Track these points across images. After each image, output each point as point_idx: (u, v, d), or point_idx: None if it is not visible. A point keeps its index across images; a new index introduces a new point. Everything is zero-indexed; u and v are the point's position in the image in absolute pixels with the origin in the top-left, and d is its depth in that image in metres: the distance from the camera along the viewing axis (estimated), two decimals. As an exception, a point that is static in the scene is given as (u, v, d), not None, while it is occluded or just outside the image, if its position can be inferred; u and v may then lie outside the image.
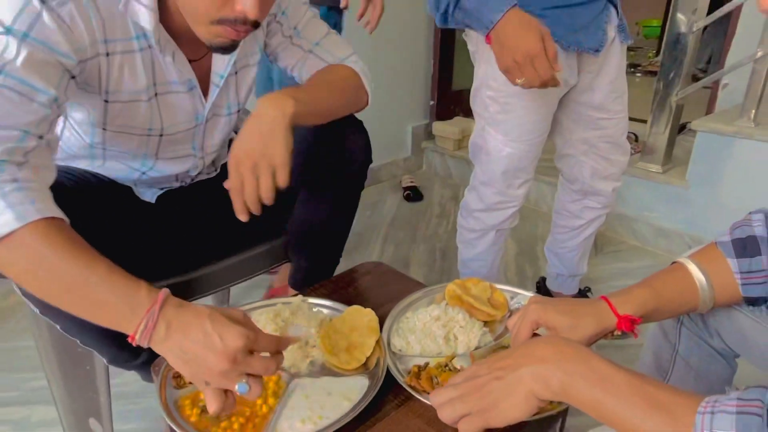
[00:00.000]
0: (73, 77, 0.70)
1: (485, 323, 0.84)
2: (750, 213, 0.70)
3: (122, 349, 0.85)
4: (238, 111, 0.96)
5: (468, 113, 2.96)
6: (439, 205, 2.45)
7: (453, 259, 1.93)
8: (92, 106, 0.78)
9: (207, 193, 1.01)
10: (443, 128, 2.74)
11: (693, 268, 0.68)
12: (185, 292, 1.01)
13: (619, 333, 0.69)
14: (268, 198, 0.73)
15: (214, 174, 1.06)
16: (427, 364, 0.75)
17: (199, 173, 1.03)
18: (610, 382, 0.50)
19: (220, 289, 1.08)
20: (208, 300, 1.54)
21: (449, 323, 0.82)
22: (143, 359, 0.88)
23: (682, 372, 0.82)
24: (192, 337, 0.58)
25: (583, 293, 1.61)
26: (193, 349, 0.57)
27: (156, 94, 0.82)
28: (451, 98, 2.87)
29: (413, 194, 2.50)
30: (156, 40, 0.75)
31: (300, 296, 0.90)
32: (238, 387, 0.57)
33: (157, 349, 0.59)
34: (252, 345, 0.58)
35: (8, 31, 0.62)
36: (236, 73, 0.91)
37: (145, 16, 0.72)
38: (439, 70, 2.75)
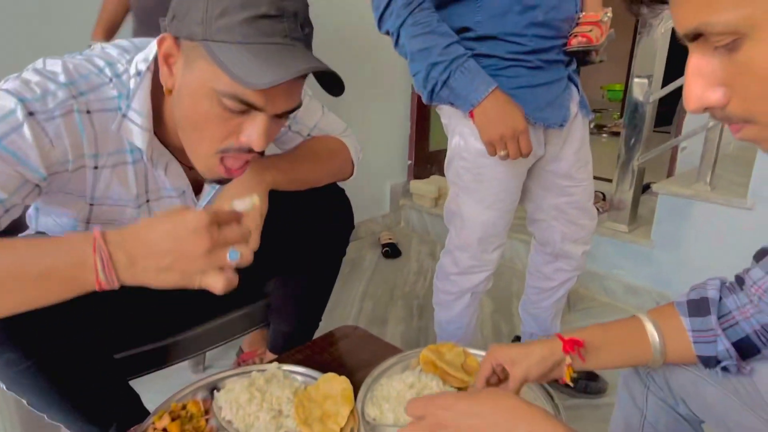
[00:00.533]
0: (38, 186, 0.66)
1: (459, 389, 0.83)
2: (708, 279, 0.73)
3: (90, 423, 0.82)
4: None
5: (444, 171, 3.03)
6: (417, 261, 2.45)
7: (430, 316, 1.92)
8: (76, 207, 0.76)
9: None
10: (420, 186, 2.78)
11: (646, 321, 0.72)
12: (164, 357, 0.99)
13: (568, 360, 0.73)
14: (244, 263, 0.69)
15: None
16: (400, 434, 0.73)
17: None
18: None
19: (198, 354, 1.06)
20: (184, 363, 1.51)
21: (423, 390, 0.81)
22: (113, 432, 0.85)
23: (651, 437, 0.82)
24: (158, 244, 0.55)
25: None
26: (167, 252, 0.55)
27: (147, 201, 0.81)
28: (427, 158, 2.93)
29: (391, 251, 2.50)
30: (149, 157, 0.74)
31: (275, 363, 0.88)
32: (230, 256, 0.56)
33: (129, 280, 0.56)
34: (215, 217, 0.56)
35: None
36: None
37: (139, 136, 0.71)
38: (416, 132, 2.82)
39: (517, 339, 1.67)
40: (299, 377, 0.86)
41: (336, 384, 0.81)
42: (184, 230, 0.55)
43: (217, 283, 0.56)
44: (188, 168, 0.80)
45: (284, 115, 0.70)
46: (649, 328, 0.71)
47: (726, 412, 0.71)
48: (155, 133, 0.74)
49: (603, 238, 2.02)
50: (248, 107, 0.65)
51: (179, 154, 0.78)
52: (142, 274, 0.56)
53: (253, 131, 0.67)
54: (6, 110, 0.61)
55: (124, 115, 0.70)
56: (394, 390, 0.81)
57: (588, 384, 1.46)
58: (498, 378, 0.77)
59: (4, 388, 0.74)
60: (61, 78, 0.65)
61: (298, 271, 1.02)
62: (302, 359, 0.93)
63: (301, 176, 0.88)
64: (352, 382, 0.81)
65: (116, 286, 0.56)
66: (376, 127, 2.66)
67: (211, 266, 0.56)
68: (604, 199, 2.39)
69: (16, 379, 0.72)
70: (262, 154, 0.72)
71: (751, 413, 0.69)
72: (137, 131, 0.71)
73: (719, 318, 0.69)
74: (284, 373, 0.86)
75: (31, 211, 0.83)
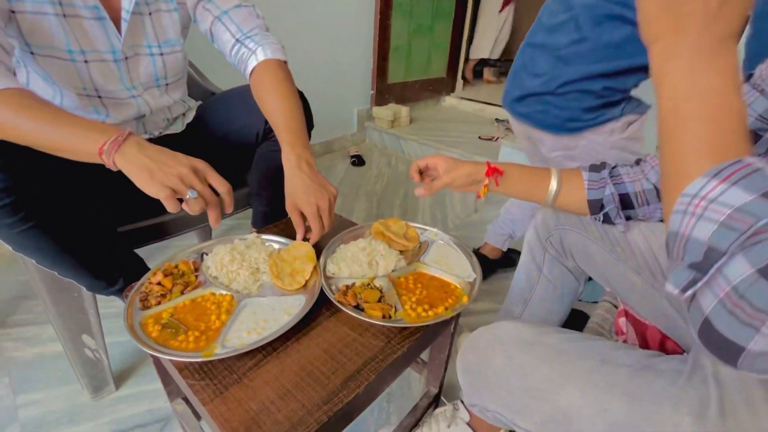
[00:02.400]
0: None
1: (401, 252, 0.78)
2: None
3: (98, 278, 0.73)
4: (162, 53, 0.81)
5: (399, 101, 2.86)
6: (377, 168, 2.35)
7: (385, 207, 1.88)
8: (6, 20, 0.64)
9: (176, 147, 0.87)
10: (380, 112, 2.62)
11: (554, 171, 0.69)
12: (163, 230, 0.89)
13: (486, 181, 0.70)
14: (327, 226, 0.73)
15: (180, 130, 0.93)
16: (353, 284, 0.68)
17: (169, 126, 0.89)
18: None
19: (194, 229, 0.96)
20: (193, 235, 1.42)
21: (372, 252, 0.75)
22: (119, 287, 0.77)
23: (544, 285, 0.80)
24: (162, 151, 0.57)
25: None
26: (161, 157, 0.56)
27: (64, 15, 0.67)
28: (386, 89, 2.74)
29: (357, 161, 2.39)
30: None
31: (255, 233, 0.80)
32: (189, 192, 0.56)
33: (123, 161, 0.54)
34: (207, 170, 0.59)
35: None
36: (150, 14, 0.76)
37: None
38: (377, 68, 2.60)
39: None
40: (275, 245, 0.79)
41: (302, 248, 0.74)
42: (180, 157, 0.57)
43: (166, 204, 0.55)
44: None
45: None
46: (554, 175, 0.68)
47: (605, 264, 0.69)
48: None
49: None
50: None
51: None
52: (134, 160, 0.54)
53: None
54: None
55: None
56: (350, 252, 0.75)
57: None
58: (427, 178, 0.77)
59: (12, 250, 0.63)
60: None
61: (270, 160, 0.92)
62: (278, 231, 0.86)
63: (299, 125, 0.78)
64: (316, 248, 0.74)
65: (110, 158, 0.54)
66: (344, 62, 2.43)
67: (175, 186, 0.55)
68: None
69: (19, 241, 0.61)
70: None
71: (623, 264, 0.66)
72: None
73: (611, 176, 0.65)
74: (261, 240, 0.79)
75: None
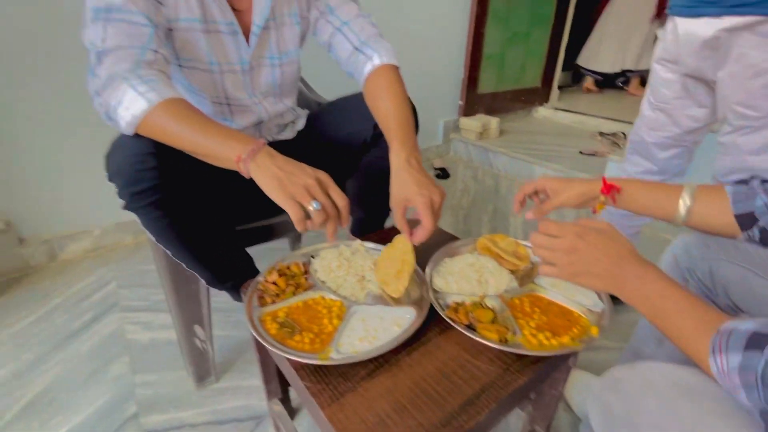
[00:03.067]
0: (158, 2, 0.68)
1: (511, 271, 0.74)
2: None
3: (217, 273, 0.79)
4: (281, 64, 0.87)
5: (488, 111, 2.79)
6: (462, 182, 2.30)
7: (472, 223, 1.82)
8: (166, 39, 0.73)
9: (288, 153, 0.93)
10: (468, 123, 2.58)
11: (686, 186, 0.61)
12: (267, 233, 0.94)
13: (603, 199, 0.65)
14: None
15: (291, 137, 0.98)
16: (463, 301, 0.65)
17: (280, 131, 0.95)
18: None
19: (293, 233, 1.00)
20: (285, 241, 1.49)
21: (481, 269, 0.72)
22: (229, 285, 0.82)
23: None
24: (290, 162, 0.60)
25: None
26: (289, 168, 0.59)
27: (208, 31, 0.75)
28: (475, 99, 2.69)
29: (442, 173, 2.36)
30: None
31: (358, 240, 0.81)
32: (314, 204, 0.58)
33: (256, 170, 0.59)
34: (329, 183, 0.61)
35: None
36: (275, 28, 0.82)
37: None
38: (468, 78, 2.57)
39: None
40: (377, 253, 0.79)
41: (405, 246, 0.70)
42: (307, 168, 0.60)
43: (292, 214, 0.57)
44: (233, 9, 0.77)
45: None
46: (686, 190, 0.60)
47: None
48: None
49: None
50: None
51: None
52: (265, 169, 0.59)
53: None
54: None
55: None
56: (457, 266, 0.73)
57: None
58: (536, 198, 0.75)
59: (155, 241, 0.71)
60: None
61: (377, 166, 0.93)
62: (378, 240, 0.86)
63: (411, 127, 0.79)
64: (420, 261, 0.72)
65: (247, 167, 0.59)
66: (433, 72, 2.44)
67: (300, 197, 0.58)
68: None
69: (160, 232, 0.68)
70: None
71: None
72: None
73: (763, 186, 0.56)
74: (366, 248, 0.79)
75: None
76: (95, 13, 0.61)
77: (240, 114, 0.86)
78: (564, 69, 3.37)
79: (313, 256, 0.77)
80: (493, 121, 2.60)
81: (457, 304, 0.65)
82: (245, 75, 0.83)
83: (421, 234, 0.68)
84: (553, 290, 0.68)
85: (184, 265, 0.77)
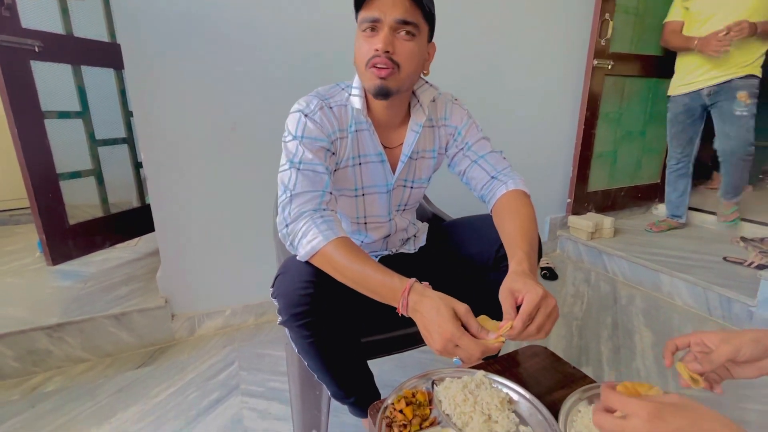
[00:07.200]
0: (332, 153, 0.86)
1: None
2: None
3: (343, 388, 0.86)
4: (412, 187, 1.01)
5: (598, 209, 2.68)
6: (573, 285, 2.18)
7: (589, 337, 1.69)
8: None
9: (410, 265, 1.01)
10: (578, 222, 2.50)
11: None
12: (386, 347, 1.00)
13: None
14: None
15: (413, 251, 1.07)
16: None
17: (402, 245, 1.05)
18: None
19: (411, 348, 1.05)
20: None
21: (621, 426, 0.67)
22: (352, 400, 0.88)
23: None
24: (427, 318, 0.67)
25: None
26: (425, 325, 0.67)
27: (360, 164, 0.91)
28: (585, 197, 2.62)
29: (549, 274, 2.27)
30: (364, 117, 0.87)
31: (481, 371, 0.82)
32: (455, 360, 0.65)
33: (415, 314, 0.69)
34: (456, 340, 0.64)
35: (294, 137, 0.81)
36: (416, 159, 0.97)
37: (357, 100, 0.86)
38: (577, 176, 2.55)
39: None
40: (502, 388, 0.79)
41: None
42: (435, 329, 0.65)
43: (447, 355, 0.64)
44: (383, 146, 0.92)
45: (402, 27, 0.77)
46: None
47: None
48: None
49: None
50: (372, 23, 0.77)
51: (381, 134, 0.92)
52: (415, 316, 0.69)
53: (379, 39, 0.77)
54: (296, 117, 0.84)
55: (349, 93, 0.88)
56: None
57: None
58: (694, 358, 0.63)
59: (296, 351, 0.81)
60: (315, 94, 0.87)
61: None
62: (500, 370, 0.86)
63: (535, 247, 0.82)
64: (547, 403, 0.70)
65: (406, 315, 0.70)
66: (541, 171, 2.47)
67: (442, 353, 0.65)
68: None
69: (304, 348, 0.78)
70: (392, 61, 0.79)
71: None
72: (356, 99, 0.86)
73: None
74: (489, 380, 0.80)
75: None
76: (290, 162, 0.80)
77: (374, 229, 1.00)
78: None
79: (434, 383, 0.79)
80: (607, 221, 2.48)
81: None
82: (388, 196, 0.98)
83: (526, 333, 0.65)
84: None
85: (316, 376, 0.85)
